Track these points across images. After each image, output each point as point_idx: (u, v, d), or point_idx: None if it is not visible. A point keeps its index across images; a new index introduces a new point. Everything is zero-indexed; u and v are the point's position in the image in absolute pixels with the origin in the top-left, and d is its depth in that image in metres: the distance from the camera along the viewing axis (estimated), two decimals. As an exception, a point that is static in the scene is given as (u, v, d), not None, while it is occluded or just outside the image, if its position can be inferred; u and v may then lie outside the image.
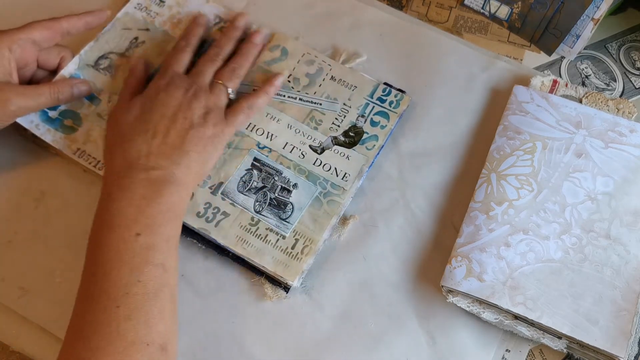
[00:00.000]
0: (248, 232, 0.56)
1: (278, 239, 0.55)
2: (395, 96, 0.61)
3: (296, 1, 0.68)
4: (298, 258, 0.54)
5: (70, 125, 0.60)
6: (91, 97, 0.61)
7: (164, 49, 0.64)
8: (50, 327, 0.54)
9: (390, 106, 0.61)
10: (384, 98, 0.61)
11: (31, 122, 0.59)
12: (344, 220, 0.57)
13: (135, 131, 0.53)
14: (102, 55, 0.63)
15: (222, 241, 0.55)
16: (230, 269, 0.56)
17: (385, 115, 0.60)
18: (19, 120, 0.58)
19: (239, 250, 0.55)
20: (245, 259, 0.55)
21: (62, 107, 0.60)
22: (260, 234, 0.55)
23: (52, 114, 0.60)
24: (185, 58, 0.60)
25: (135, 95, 0.57)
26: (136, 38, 0.64)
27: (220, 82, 0.58)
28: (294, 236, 0.56)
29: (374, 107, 0.61)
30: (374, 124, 0.60)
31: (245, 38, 0.64)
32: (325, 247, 0.56)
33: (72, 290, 0.55)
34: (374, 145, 0.59)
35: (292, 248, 0.55)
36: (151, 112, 0.54)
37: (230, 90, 0.58)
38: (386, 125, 0.60)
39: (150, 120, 0.53)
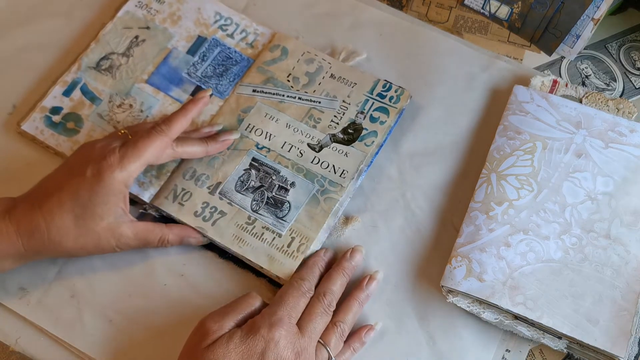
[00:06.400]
0: (244, 230, 0.55)
1: (274, 237, 0.55)
2: (396, 91, 0.61)
3: (296, 1, 0.68)
4: (294, 256, 0.54)
5: (73, 127, 0.60)
6: (92, 98, 0.61)
7: (164, 47, 0.64)
8: (50, 327, 0.54)
9: (391, 101, 0.60)
10: (384, 94, 0.61)
11: (36, 129, 0.60)
12: (346, 220, 0.57)
13: None
14: (103, 56, 0.63)
15: (218, 240, 0.55)
16: (230, 269, 0.56)
17: (385, 110, 0.60)
18: (25, 127, 0.60)
19: (234, 248, 0.55)
20: (241, 257, 0.55)
21: (65, 111, 0.61)
22: (256, 233, 0.55)
23: (56, 118, 0.60)
24: (303, 305, 0.51)
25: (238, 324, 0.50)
26: (137, 37, 0.64)
27: (324, 344, 0.50)
28: (290, 234, 0.55)
29: (373, 103, 0.60)
30: (373, 120, 0.60)
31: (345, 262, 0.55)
32: (325, 246, 0.56)
33: (72, 289, 0.56)
34: (373, 141, 0.59)
35: (288, 246, 0.55)
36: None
37: (333, 359, 0.50)
38: (385, 121, 0.60)
39: None
